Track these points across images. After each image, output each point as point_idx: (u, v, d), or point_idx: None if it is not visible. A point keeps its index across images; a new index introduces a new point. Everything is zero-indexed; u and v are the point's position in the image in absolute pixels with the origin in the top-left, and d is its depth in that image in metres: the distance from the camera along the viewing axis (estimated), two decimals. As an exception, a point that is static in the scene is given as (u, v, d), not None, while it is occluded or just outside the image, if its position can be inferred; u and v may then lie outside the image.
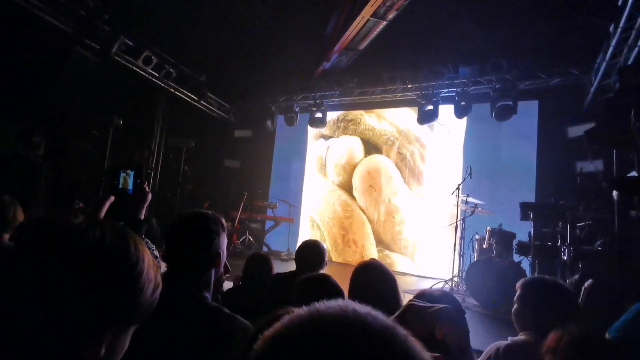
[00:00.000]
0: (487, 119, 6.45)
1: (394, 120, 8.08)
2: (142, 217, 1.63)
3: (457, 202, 5.52)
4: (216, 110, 8.49)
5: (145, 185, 1.67)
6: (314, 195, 8.67)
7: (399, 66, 6.82)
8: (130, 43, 6.21)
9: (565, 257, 4.47)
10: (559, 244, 4.60)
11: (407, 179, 7.78)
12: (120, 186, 1.66)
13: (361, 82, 7.31)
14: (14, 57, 5.66)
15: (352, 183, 8.37)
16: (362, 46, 6.64)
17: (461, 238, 5.50)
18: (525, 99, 6.45)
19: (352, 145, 8.46)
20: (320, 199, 8.61)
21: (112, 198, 1.69)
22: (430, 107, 6.56)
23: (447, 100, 6.74)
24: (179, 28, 6.53)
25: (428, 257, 7.23)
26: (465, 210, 5.55)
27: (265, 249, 8.12)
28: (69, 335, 0.49)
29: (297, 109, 8.09)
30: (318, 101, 7.71)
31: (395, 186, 7.94)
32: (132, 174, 1.68)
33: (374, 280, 1.64)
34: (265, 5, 6.54)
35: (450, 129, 7.20)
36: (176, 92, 7.42)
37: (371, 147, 8.24)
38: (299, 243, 8.09)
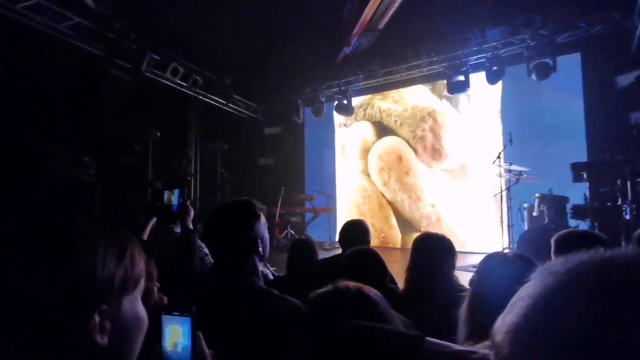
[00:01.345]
0: (524, 80, 6.07)
1: (404, 99, 7.98)
2: (191, 227, 1.80)
3: (500, 171, 5.27)
4: (244, 111, 8.66)
5: (188, 203, 1.84)
6: (344, 183, 8.74)
7: (422, 40, 6.57)
8: (157, 57, 6.46)
9: (627, 217, 4.14)
10: (619, 202, 4.26)
11: (426, 155, 7.61)
12: (165, 202, 1.84)
13: (385, 62, 7.13)
14: (56, 86, 6.09)
15: (368, 168, 8.42)
16: (381, 25, 6.46)
17: (508, 208, 5.26)
18: (565, 53, 5.99)
19: (363, 131, 8.54)
20: (348, 187, 8.68)
21: (155, 219, 1.90)
22: (461, 77, 6.28)
23: (477, 67, 6.41)
24: (199, 36, 6.70)
25: (470, 232, 6.99)
26: (509, 179, 5.29)
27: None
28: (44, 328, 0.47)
29: (322, 99, 8.07)
30: (343, 88, 7.63)
31: (410, 165, 7.84)
32: (176, 192, 1.84)
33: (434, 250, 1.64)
34: (279, 1, 6.55)
35: (469, 95, 6.91)
36: (205, 99, 7.65)
37: (382, 129, 8.25)
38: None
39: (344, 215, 8.51)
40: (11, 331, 0.46)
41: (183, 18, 6.34)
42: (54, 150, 5.93)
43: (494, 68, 6.07)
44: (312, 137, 9.07)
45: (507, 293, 0.93)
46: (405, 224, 7.92)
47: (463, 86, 6.31)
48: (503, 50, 6.15)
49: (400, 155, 8.00)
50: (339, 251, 2.40)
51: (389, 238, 8.08)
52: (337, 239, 7.51)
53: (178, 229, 3.28)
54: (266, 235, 1.33)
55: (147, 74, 6.44)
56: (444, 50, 6.40)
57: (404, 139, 7.96)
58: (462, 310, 1.04)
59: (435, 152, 7.55)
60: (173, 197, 1.92)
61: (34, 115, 5.92)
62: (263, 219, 1.33)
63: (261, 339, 1.12)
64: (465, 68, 6.27)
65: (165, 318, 0.72)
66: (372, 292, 0.86)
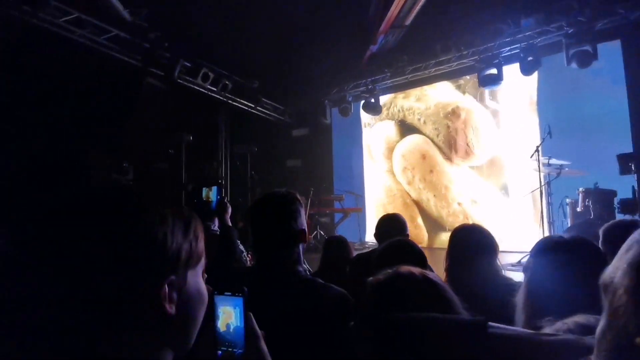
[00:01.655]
0: (562, 70, 5.79)
1: (427, 96, 7.85)
2: (230, 224, 1.84)
3: (539, 165, 5.04)
4: (272, 114, 8.78)
5: (226, 200, 1.88)
6: (372, 183, 8.68)
7: (451, 33, 6.41)
8: (189, 64, 6.67)
9: (683, 210, 3.85)
10: (673, 195, 3.97)
11: (451, 152, 7.41)
12: (204, 199, 1.88)
13: (412, 58, 7.02)
14: (96, 96, 6.43)
15: (393, 167, 8.32)
16: (408, 21, 6.37)
17: (548, 204, 5.02)
18: (605, 40, 5.66)
19: (387, 130, 8.50)
20: (375, 187, 8.60)
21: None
22: (493, 70, 6.07)
23: (510, 59, 6.19)
24: (228, 41, 6.87)
25: (503, 230, 6.72)
26: (548, 174, 5.06)
27: (337, 241, 8.20)
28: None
29: (349, 99, 8.05)
30: (370, 87, 7.58)
31: (434, 163, 7.69)
32: (214, 189, 1.88)
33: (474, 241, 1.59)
34: (303, 2, 6.60)
35: (499, 89, 6.66)
36: (234, 103, 7.82)
37: (406, 128, 8.18)
38: (369, 231, 8.12)
39: (372, 215, 8.43)
40: (88, 298, 0.48)
41: (212, 25, 6.51)
42: (96, 157, 6.25)
43: (529, 58, 5.83)
44: (340, 137, 9.07)
45: (565, 273, 0.89)
46: (432, 223, 7.75)
47: (496, 79, 6.10)
48: (539, 40, 5.90)
49: (423, 154, 7.87)
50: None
51: (416, 238, 7.92)
52: (366, 238, 7.42)
53: (214, 226, 3.37)
54: (305, 224, 1.34)
55: (179, 80, 6.66)
56: (475, 43, 6.21)
57: (427, 136, 7.82)
58: (519, 297, 1.00)
59: (461, 149, 7.36)
60: (211, 194, 1.95)
61: (77, 125, 6.27)
62: (304, 211, 1.34)
63: (307, 326, 1.12)
64: (498, 60, 6.06)
65: (217, 299, 0.71)
66: (437, 277, 0.83)
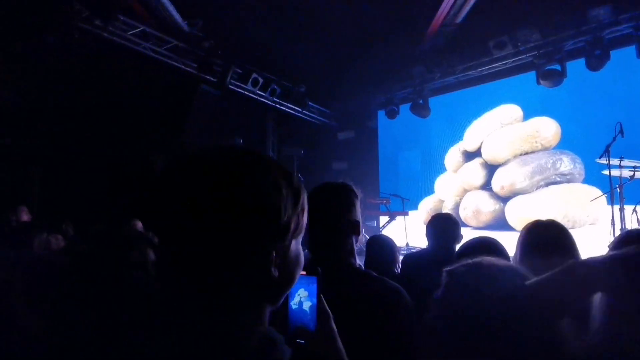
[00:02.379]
0: (632, 63, 5.27)
1: None
2: None
3: (608, 167, 4.60)
4: (318, 117, 8.87)
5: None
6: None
7: (507, 28, 6.08)
8: (239, 71, 6.96)
9: None
10: None
11: None
12: None
13: (463, 57, 6.76)
14: (154, 101, 6.92)
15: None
16: (460, 19, 6.15)
17: (620, 210, 4.56)
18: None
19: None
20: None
21: None
22: (556, 66, 5.66)
23: (574, 54, 5.74)
24: (276, 47, 7.07)
25: (588, 233, 6.19)
26: (620, 176, 4.60)
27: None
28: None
29: (397, 101, 7.92)
30: (418, 88, 7.41)
31: None
32: None
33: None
34: (351, 6, 6.62)
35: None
36: (281, 107, 8.01)
37: None
38: (416, 236, 7.88)
39: (421, 219, 8.19)
40: (206, 259, 0.53)
41: (262, 31, 6.75)
42: (154, 158, 6.71)
43: (597, 53, 5.36)
44: (387, 139, 8.94)
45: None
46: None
47: (559, 77, 5.67)
48: (607, 32, 5.41)
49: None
50: None
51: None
52: (412, 242, 7.17)
53: None
54: (361, 217, 1.32)
55: (230, 86, 6.97)
56: (534, 38, 5.84)
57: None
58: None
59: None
60: None
61: (138, 128, 6.79)
62: (359, 203, 1.33)
63: (362, 318, 1.10)
64: (560, 55, 5.64)
65: None
66: (523, 269, 0.79)
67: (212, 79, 6.74)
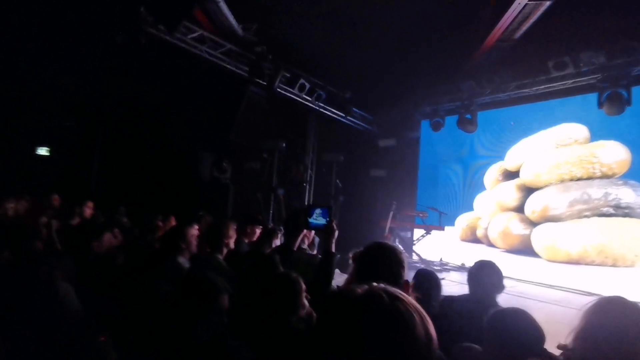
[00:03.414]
0: None
1: None
2: (333, 250, 1.91)
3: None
4: (360, 123, 8.88)
5: (334, 223, 1.94)
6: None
7: (570, 48, 5.77)
8: (288, 75, 7.12)
9: None
10: None
11: None
12: (314, 220, 1.98)
13: (517, 73, 6.49)
14: (206, 101, 7.25)
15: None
16: (518, 35, 5.91)
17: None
18: None
19: None
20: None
21: (305, 231, 2.06)
22: (621, 91, 5.31)
23: (641, 79, 5.37)
24: (323, 53, 7.14)
25: (633, 272, 5.82)
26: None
27: (415, 257, 8.00)
28: None
29: (442, 113, 7.75)
30: (467, 102, 7.21)
31: None
32: (324, 210, 1.97)
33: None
34: (401, 13, 6.54)
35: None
36: (325, 112, 8.10)
37: None
38: (450, 252, 7.73)
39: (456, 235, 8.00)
40: None
41: (311, 37, 6.85)
42: (203, 156, 7.06)
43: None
44: (429, 151, 8.79)
45: None
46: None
47: (622, 103, 5.33)
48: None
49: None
50: (450, 275, 2.31)
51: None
52: (445, 259, 7.05)
53: (308, 250, 3.55)
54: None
55: (278, 89, 7.14)
56: (599, 60, 5.50)
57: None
58: None
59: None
60: (321, 216, 2.02)
61: (189, 127, 7.15)
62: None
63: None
64: (626, 81, 5.29)
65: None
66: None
67: (261, 82, 6.95)
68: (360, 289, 0.67)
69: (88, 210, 3.98)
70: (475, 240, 9.63)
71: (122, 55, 6.08)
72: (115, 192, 6.64)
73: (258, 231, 3.34)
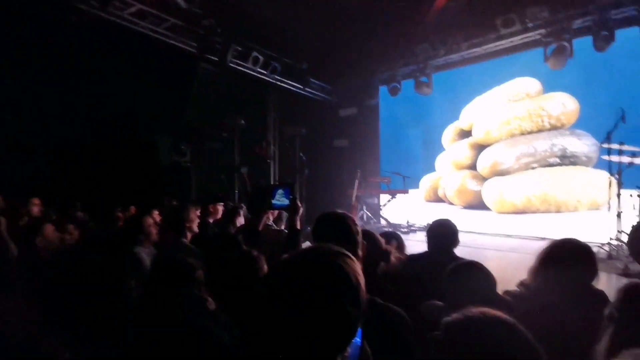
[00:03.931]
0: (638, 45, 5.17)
1: None
2: (298, 227, 1.93)
3: (608, 152, 4.65)
4: (320, 94, 8.77)
5: (297, 201, 1.97)
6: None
7: (513, 5, 5.90)
8: (240, 48, 6.82)
9: None
10: None
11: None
12: (277, 201, 1.99)
13: (469, 34, 6.60)
14: (156, 82, 6.83)
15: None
16: (466, -6, 5.96)
17: (617, 195, 4.66)
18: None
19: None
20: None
21: (269, 212, 2.08)
22: (564, 44, 5.54)
23: (581, 32, 5.62)
24: (276, 23, 6.88)
25: (575, 218, 6.34)
26: (620, 162, 4.66)
27: (383, 222, 8.26)
28: None
29: (399, 78, 7.80)
30: (421, 65, 7.28)
31: None
32: (287, 190, 1.98)
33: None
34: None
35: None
36: (283, 84, 7.91)
37: None
38: (417, 214, 8.05)
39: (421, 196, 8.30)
40: None
41: (261, 8, 6.55)
42: (159, 140, 6.74)
43: (603, 33, 5.25)
44: (389, 117, 8.89)
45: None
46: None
47: (566, 56, 5.58)
48: (613, 12, 5.27)
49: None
50: (417, 235, 2.43)
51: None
52: (412, 220, 7.35)
53: (274, 226, 3.55)
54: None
55: (231, 64, 6.84)
56: (542, 16, 5.68)
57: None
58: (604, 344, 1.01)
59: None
60: (283, 195, 2.04)
61: (142, 110, 6.75)
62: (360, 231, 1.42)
63: (371, 345, 1.22)
64: (567, 34, 5.52)
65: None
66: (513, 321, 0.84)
67: (213, 57, 6.62)
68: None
69: (35, 208, 3.72)
70: (438, 200, 10.10)
71: (54, 35, 5.54)
72: (68, 186, 6.25)
73: (221, 209, 3.29)
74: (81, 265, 2.54)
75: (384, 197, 8.38)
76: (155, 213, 4.24)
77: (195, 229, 2.86)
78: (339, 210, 1.45)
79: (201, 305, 1.55)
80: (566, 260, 1.54)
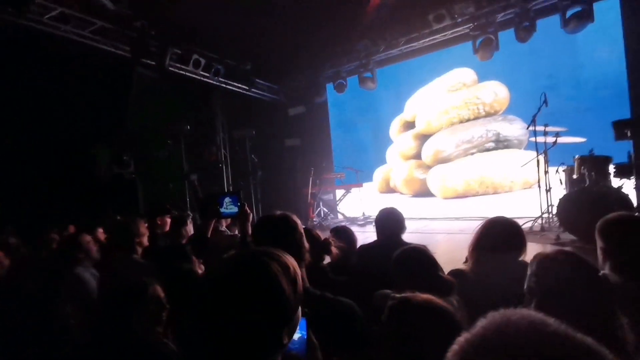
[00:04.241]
0: (558, 34, 5.70)
1: None
2: (249, 232, 1.91)
3: (535, 135, 5.08)
4: (267, 94, 8.70)
5: (246, 208, 1.94)
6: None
7: (443, 3, 6.25)
8: (179, 51, 6.56)
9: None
10: (667, 159, 4.06)
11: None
12: (225, 209, 1.95)
13: (405, 30, 6.88)
14: (89, 91, 6.37)
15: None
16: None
17: (545, 172, 5.12)
18: (601, -2, 5.56)
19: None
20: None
21: (215, 219, 2.04)
22: (491, 37, 5.95)
23: (506, 25, 6.08)
24: (216, 24, 6.69)
25: (512, 197, 6.87)
26: (545, 142, 5.11)
27: (340, 217, 8.40)
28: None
29: (344, 74, 7.94)
30: (364, 61, 7.47)
31: None
32: (234, 197, 1.95)
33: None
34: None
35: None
36: (228, 87, 7.73)
37: None
38: (371, 206, 8.28)
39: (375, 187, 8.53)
40: None
41: (198, 8, 6.33)
42: (97, 151, 6.29)
43: (525, 24, 5.72)
44: (338, 113, 9.03)
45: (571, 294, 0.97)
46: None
47: (492, 48, 6.00)
48: (533, 3, 5.76)
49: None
50: (372, 227, 2.52)
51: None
52: (368, 212, 7.53)
53: (228, 231, 3.48)
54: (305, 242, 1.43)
55: (170, 68, 6.56)
56: (469, 11, 6.07)
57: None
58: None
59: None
60: (232, 203, 2.02)
61: (76, 121, 6.26)
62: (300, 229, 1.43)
63: (324, 338, 1.24)
64: (492, 28, 5.95)
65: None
66: (444, 304, 0.95)
67: (150, 62, 6.30)
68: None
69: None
70: (390, 190, 10.47)
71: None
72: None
73: (169, 221, 3.16)
74: (9, 299, 2.32)
75: (339, 192, 8.51)
76: (100, 230, 3.98)
77: (146, 242, 2.73)
78: (278, 212, 1.45)
79: (156, 321, 1.53)
80: (496, 237, 1.68)
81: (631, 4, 5.46)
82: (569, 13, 5.44)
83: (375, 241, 2.44)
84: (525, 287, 1.14)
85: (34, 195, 5.98)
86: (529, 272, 1.13)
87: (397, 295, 1.02)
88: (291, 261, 0.81)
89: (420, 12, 6.50)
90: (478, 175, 7.40)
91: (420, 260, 1.57)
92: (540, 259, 1.13)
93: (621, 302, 1.22)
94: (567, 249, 1.11)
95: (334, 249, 1.90)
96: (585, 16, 5.31)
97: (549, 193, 5.10)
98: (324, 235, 2.28)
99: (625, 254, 1.34)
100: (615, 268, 1.36)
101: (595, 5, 5.37)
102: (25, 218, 4.98)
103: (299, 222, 1.43)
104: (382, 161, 9.76)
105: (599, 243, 1.45)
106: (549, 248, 4.57)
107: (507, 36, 6.10)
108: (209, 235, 2.19)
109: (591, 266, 1.05)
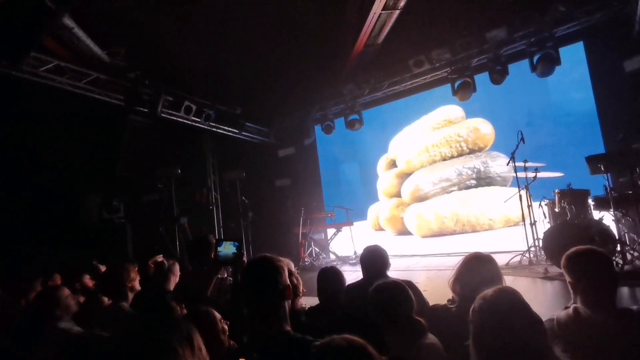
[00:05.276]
0: (529, 76, 6.07)
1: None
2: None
3: (515, 170, 5.27)
4: (257, 137, 8.91)
5: (244, 258, 1.97)
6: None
7: (424, 48, 6.68)
8: (171, 98, 6.79)
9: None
10: (641, 191, 4.22)
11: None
12: (222, 257, 1.97)
13: (388, 73, 7.27)
14: (81, 138, 6.50)
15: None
16: (380, 39, 6.62)
17: (528, 207, 5.24)
18: (567, 43, 6.00)
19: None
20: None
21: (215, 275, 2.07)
22: (467, 80, 6.32)
23: (480, 69, 6.48)
24: (206, 71, 7.01)
25: (498, 232, 6.93)
26: (526, 177, 5.28)
27: (332, 256, 8.32)
28: None
29: (331, 117, 8.23)
30: (350, 103, 7.79)
31: None
32: (235, 244, 1.97)
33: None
34: (277, 29, 6.80)
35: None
36: (218, 130, 7.93)
37: None
38: (363, 244, 8.25)
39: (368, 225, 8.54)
40: None
41: (190, 57, 6.66)
42: (86, 198, 6.30)
43: (498, 68, 6.10)
44: (326, 153, 9.24)
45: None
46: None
47: (470, 90, 6.35)
48: (505, 49, 6.19)
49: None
50: None
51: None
52: (360, 251, 7.50)
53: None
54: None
55: (163, 115, 6.76)
56: (446, 57, 6.48)
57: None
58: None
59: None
60: (230, 249, 2.03)
61: (67, 168, 6.33)
62: (286, 270, 1.47)
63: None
64: (469, 72, 6.33)
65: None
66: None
67: (142, 109, 6.50)
68: None
69: None
70: (382, 228, 10.47)
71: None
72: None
73: (160, 262, 3.13)
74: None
75: (330, 231, 8.49)
76: (87, 277, 3.90)
77: (138, 286, 2.67)
78: (263, 255, 1.49)
79: None
80: (471, 272, 1.74)
81: (595, 48, 5.90)
82: (535, 58, 5.84)
83: (361, 280, 2.46)
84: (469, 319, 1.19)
85: (20, 241, 5.90)
86: (471, 307, 1.18)
87: (317, 344, 1.07)
88: None
89: (400, 58, 6.92)
90: (450, 213, 7.38)
91: (394, 297, 1.61)
92: (482, 296, 1.18)
93: (589, 337, 1.27)
94: (508, 287, 1.17)
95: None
96: (553, 60, 5.71)
97: (533, 227, 5.19)
98: (308, 275, 2.29)
99: (587, 286, 1.40)
100: (584, 301, 1.41)
101: (562, 50, 5.79)
102: (10, 264, 4.88)
103: (285, 262, 1.48)
104: (375, 198, 9.85)
105: (566, 277, 1.51)
106: (538, 282, 4.59)
107: (487, 77, 6.48)
108: (208, 294, 2.14)
109: (526, 306, 1.11)
